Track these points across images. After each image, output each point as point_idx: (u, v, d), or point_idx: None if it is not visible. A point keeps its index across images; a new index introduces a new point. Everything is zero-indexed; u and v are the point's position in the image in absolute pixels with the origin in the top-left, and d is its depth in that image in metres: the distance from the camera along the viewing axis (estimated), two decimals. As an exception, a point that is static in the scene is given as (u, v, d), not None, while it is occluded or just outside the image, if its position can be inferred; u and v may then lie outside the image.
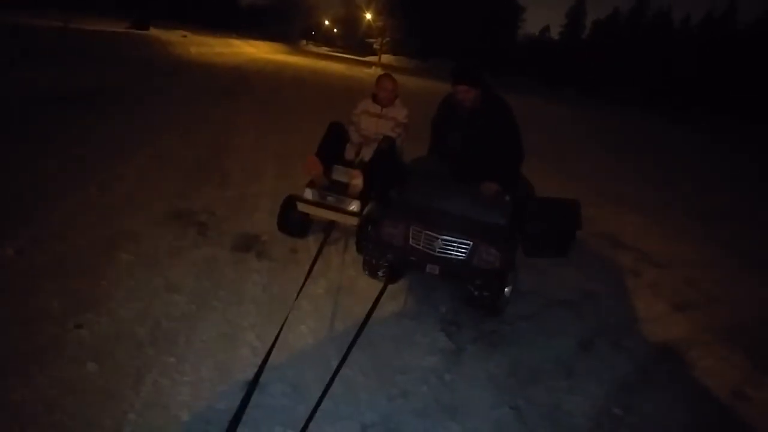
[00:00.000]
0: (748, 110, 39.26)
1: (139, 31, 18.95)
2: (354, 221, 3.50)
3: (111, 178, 4.19)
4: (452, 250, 2.97)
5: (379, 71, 28.41)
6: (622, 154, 12.21)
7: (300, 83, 14.18)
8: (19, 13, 15.87)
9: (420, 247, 3.01)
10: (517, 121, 3.40)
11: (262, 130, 7.14)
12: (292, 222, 3.64)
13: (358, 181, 3.53)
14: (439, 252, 2.97)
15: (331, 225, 3.54)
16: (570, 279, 3.85)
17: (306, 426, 1.79)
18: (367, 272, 3.29)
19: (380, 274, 3.19)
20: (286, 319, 2.39)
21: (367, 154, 3.85)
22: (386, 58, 47.96)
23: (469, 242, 2.96)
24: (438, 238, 2.97)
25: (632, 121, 24.60)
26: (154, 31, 20.34)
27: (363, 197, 3.54)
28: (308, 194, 3.58)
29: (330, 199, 3.57)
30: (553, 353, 2.81)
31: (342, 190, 3.61)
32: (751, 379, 2.92)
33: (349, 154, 3.94)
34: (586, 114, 24.46)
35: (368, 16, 52.80)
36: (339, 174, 3.79)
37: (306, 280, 2.82)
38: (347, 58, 41.27)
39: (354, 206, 3.50)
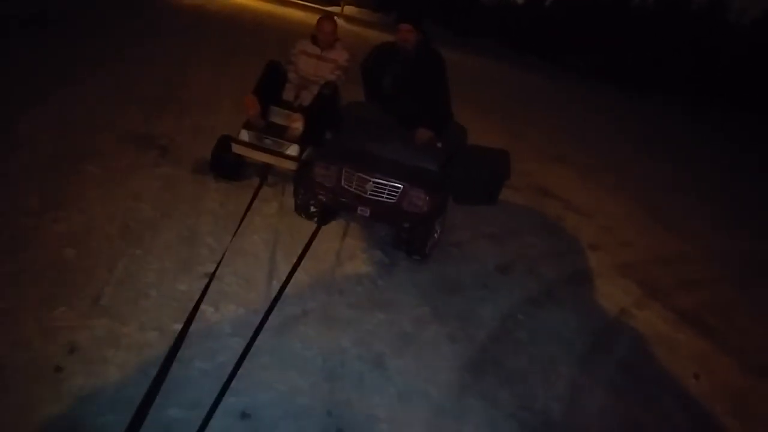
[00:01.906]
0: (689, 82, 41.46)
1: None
2: (292, 165, 3.44)
3: (73, 99, 4.32)
4: (383, 193, 3.03)
5: (342, 24, 27.78)
6: (568, 116, 12.91)
7: (258, 27, 13.93)
8: None
9: (351, 189, 3.06)
10: (447, 73, 3.49)
11: (221, 67, 7.21)
12: (226, 164, 3.55)
13: (298, 125, 3.47)
14: (370, 194, 3.03)
15: (267, 168, 3.51)
16: (499, 218, 4.27)
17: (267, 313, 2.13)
18: (301, 214, 3.32)
19: (313, 215, 3.26)
20: (239, 228, 2.71)
21: (306, 97, 3.80)
22: (350, 9, 46.78)
23: (399, 186, 3.02)
24: (369, 181, 3.03)
25: (584, 90, 25.52)
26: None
27: (302, 141, 3.47)
28: (244, 135, 3.47)
29: (267, 141, 3.47)
30: (473, 272, 3.26)
31: (280, 132, 3.53)
32: (639, 303, 3.50)
33: (288, 95, 3.85)
34: (545, 80, 25.15)
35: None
36: (277, 116, 3.70)
37: (241, 221, 2.88)
38: (309, 5, 39.95)
39: (292, 150, 3.42)
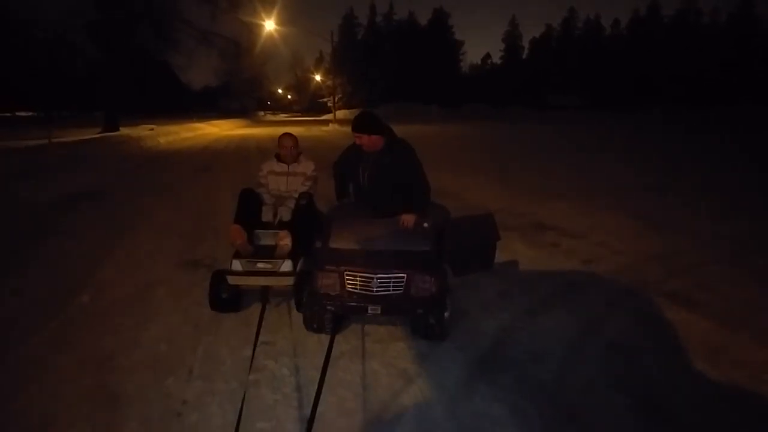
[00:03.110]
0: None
1: (111, 133, 20.36)
2: (289, 281, 3.52)
3: (130, 247, 5.28)
4: (389, 287, 3.05)
5: (336, 127, 30.07)
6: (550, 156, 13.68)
7: (264, 150, 15.43)
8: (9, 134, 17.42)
9: (357, 290, 3.06)
10: (418, 157, 3.64)
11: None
12: (225, 298, 3.62)
13: (287, 241, 3.59)
14: (377, 291, 3.04)
15: (265, 291, 3.55)
16: (496, 255, 4.87)
17: None
18: (308, 327, 3.31)
19: (325, 326, 3.23)
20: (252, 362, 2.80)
21: (284, 212, 3.95)
22: (341, 113, 50.09)
23: (403, 275, 3.04)
24: (374, 278, 3.03)
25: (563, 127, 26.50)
26: (123, 130, 21.73)
27: (293, 255, 3.58)
28: (237, 265, 3.55)
29: (260, 265, 3.56)
30: (478, 298, 3.82)
31: (270, 253, 3.63)
32: (629, 294, 4.00)
33: (267, 216, 3.99)
34: (527, 128, 26.33)
35: (317, 77, 55.50)
36: (261, 238, 3.84)
37: (254, 351, 2.92)
38: (304, 120, 43.21)
39: (286, 266, 3.53)
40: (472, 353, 3.05)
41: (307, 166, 4.21)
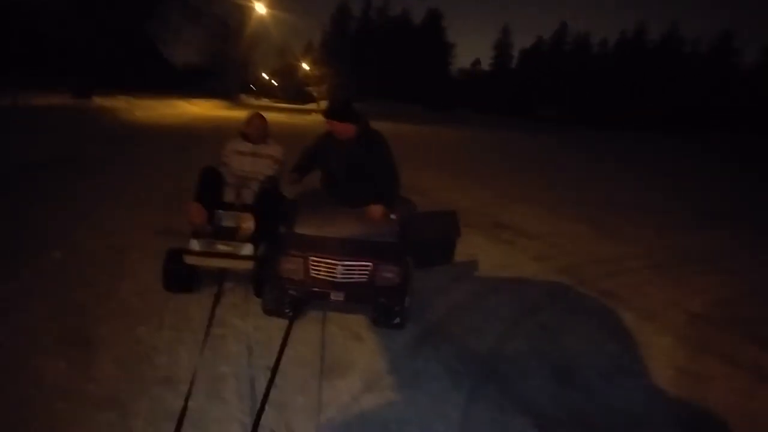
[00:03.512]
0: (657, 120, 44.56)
1: (82, 100, 20.15)
2: (248, 265, 3.48)
3: (106, 214, 5.52)
4: (353, 275, 3.14)
5: (319, 117, 30.18)
6: (526, 164, 14.26)
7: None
8: None
9: (321, 277, 3.14)
10: (391, 150, 3.72)
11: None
12: (180, 277, 3.53)
13: (249, 224, 3.55)
14: (341, 278, 3.12)
15: (223, 273, 3.53)
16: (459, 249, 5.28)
17: None
18: (267, 309, 3.35)
19: (286, 310, 3.25)
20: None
21: (247, 195, 3.90)
22: (325, 104, 50.22)
23: (368, 264, 3.14)
24: (338, 265, 3.11)
25: (543, 137, 27.33)
26: (97, 100, 21.52)
27: (255, 239, 3.55)
28: (194, 245, 3.46)
29: (220, 246, 3.50)
30: (432, 281, 4.18)
31: (230, 234, 3.60)
32: (566, 289, 4.45)
33: (229, 196, 3.91)
34: (513, 135, 27.05)
35: (305, 66, 55.56)
36: (222, 219, 3.78)
37: (207, 334, 2.89)
38: (288, 108, 43.21)
39: (247, 250, 3.49)
40: (421, 325, 3.44)
41: (275, 150, 4.16)
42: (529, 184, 10.57)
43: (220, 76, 57.14)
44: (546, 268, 5.00)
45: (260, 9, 29.66)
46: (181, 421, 2.19)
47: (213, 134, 15.06)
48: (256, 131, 4.11)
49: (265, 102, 56.48)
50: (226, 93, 51.70)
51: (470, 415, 2.53)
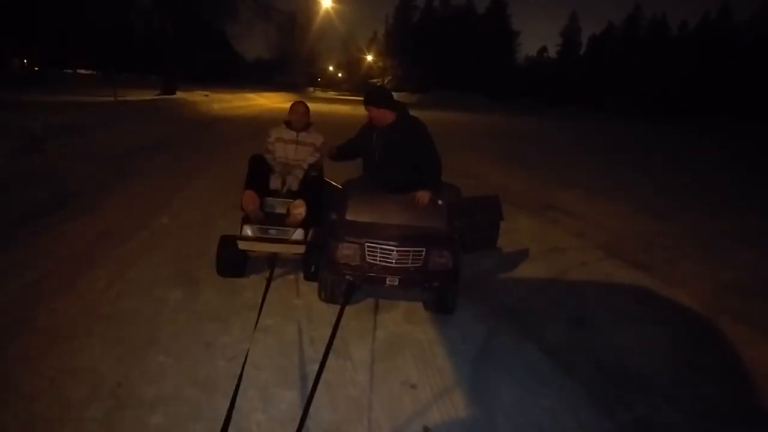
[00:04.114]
0: (746, 108, 41.30)
1: (169, 96, 22.08)
2: (300, 249, 3.65)
3: (194, 189, 6.51)
4: (408, 260, 3.21)
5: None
6: (594, 156, 14.29)
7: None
8: (74, 90, 19.38)
9: (377, 262, 3.21)
10: (431, 135, 3.77)
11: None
12: (233, 262, 3.73)
13: (301, 210, 3.65)
14: (396, 263, 3.20)
15: (274, 258, 3.67)
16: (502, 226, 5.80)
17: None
18: (324, 297, 3.49)
19: (339, 296, 3.33)
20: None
21: (291, 181, 4.02)
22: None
23: (422, 249, 3.21)
24: (394, 250, 3.19)
25: (617, 129, 26.59)
26: (180, 94, 23.42)
27: (305, 225, 3.68)
28: (248, 231, 3.64)
29: (272, 231, 3.66)
30: (476, 254, 4.73)
31: (281, 220, 3.73)
32: (598, 259, 4.87)
33: (275, 184, 4.03)
34: (578, 127, 26.60)
35: (369, 57, 56.56)
36: (271, 206, 3.91)
37: (259, 315, 2.99)
38: (352, 99, 44.26)
39: (298, 235, 3.65)
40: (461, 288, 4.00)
41: (316, 138, 4.27)
42: (583, 172, 10.74)
43: (288, 70, 59.37)
44: (585, 243, 5.41)
45: (326, 2, 30.78)
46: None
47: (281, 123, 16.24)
48: (298, 118, 4.21)
49: (331, 94, 57.96)
50: (294, 85, 53.67)
51: (490, 342, 3.13)
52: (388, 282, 3.20)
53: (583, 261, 4.81)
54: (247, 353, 2.58)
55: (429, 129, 3.80)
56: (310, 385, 2.36)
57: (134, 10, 32.30)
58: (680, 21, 64.22)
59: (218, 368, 2.68)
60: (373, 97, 3.71)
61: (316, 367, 2.49)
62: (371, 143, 3.79)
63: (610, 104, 51.54)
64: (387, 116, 3.69)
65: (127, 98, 18.38)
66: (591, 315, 3.63)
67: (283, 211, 3.84)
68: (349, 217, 3.49)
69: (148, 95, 21.73)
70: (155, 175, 7.35)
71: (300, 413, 2.20)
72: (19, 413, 2.23)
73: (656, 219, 6.64)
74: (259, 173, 3.97)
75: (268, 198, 3.92)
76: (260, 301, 3.13)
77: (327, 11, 32.41)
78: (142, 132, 11.45)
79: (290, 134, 4.23)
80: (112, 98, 17.37)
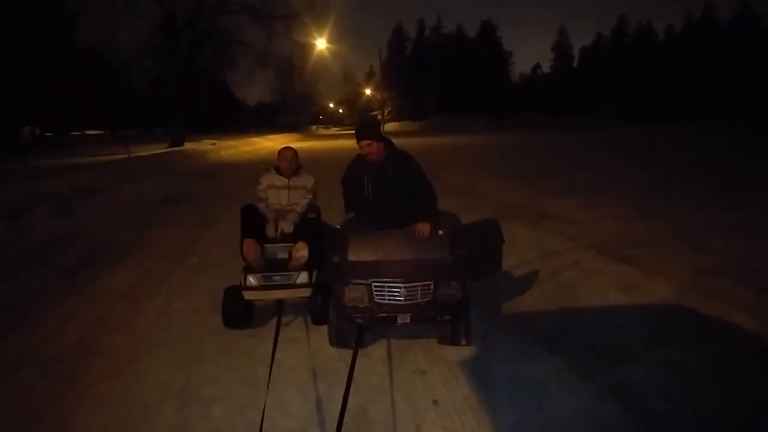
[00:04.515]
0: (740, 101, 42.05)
1: (178, 148, 23.16)
2: (306, 293, 3.65)
3: (217, 232, 7.13)
4: (417, 295, 3.16)
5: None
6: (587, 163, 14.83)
7: (317, 162, 17.40)
8: (87, 150, 20.50)
9: (386, 301, 3.17)
10: (421, 166, 3.85)
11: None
12: (239, 314, 3.73)
13: (303, 253, 3.65)
14: (406, 300, 3.15)
15: (280, 304, 3.64)
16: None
17: None
18: (335, 342, 3.41)
19: (349, 340, 3.29)
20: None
21: (285, 225, 4.00)
22: (391, 125, 52.19)
23: (430, 282, 3.18)
24: (402, 287, 3.15)
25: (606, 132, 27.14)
26: (188, 145, 24.51)
27: (308, 267, 3.67)
28: (251, 280, 3.63)
29: (276, 278, 3.64)
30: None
31: (281, 266, 3.72)
32: (591, 259, 5.36)
33: (270, 231, 4.01)
34: (570, 137, 27.22)
35: (368, 91, 58.08)
36: (271, 252, 3.88)
37: (272, 363, 2.96)
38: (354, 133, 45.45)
39: (302, 278, 3.63)
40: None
41: (307, 180, 4.30)
42: (578, 180, 11.30)
43: (290, 111, 61.05)
44: (578, 245, 5.91)
45: (321, 44, 32.06)
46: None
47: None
48: (286, 163, 4.23)
49: (333, 130, 59.45)
50: (297, 126, 55.17)
51: (489, 333, 3.64)
52: (399, 320, 3.17)
53: (575, 260, 5.32)
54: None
55: (417, 160, 3.91)
56: (343, 379, 2.77)
57: (137, 69, 33.97)
58: (666, 25, 65.18)
59: (260, 372, 3.21)
60: (367, 130, 3.79)
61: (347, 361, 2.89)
62: (363, 179, 3.83)
63: (608, 111, 52.39)
64: (380, 149, 3.78)
65: (139, 153, 19.41)
66: (580, 308, 4.13)
67: (284, 256, 3.83)
68: (351, 257, 3.44)
69: (158, 149, 22.83)
70: (180, 222, 8.04)
71: (330, 402, 2.70)
72: (110, 416, 2.79)
73: (647, 217, 7.15)
74: (253, 222, 3.95)
75: (267, 245, 3.89)
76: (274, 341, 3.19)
77: (321, 52, 33.61)
78: (159, 184, 12.29)
79: (281, 180, 4.24)
80: (125, 155, 18.40)
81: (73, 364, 3.35)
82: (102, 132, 51.44)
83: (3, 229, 6.84)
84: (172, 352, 3.51)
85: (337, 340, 3.40)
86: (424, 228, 3.54)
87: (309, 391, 2.99)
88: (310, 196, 4.26)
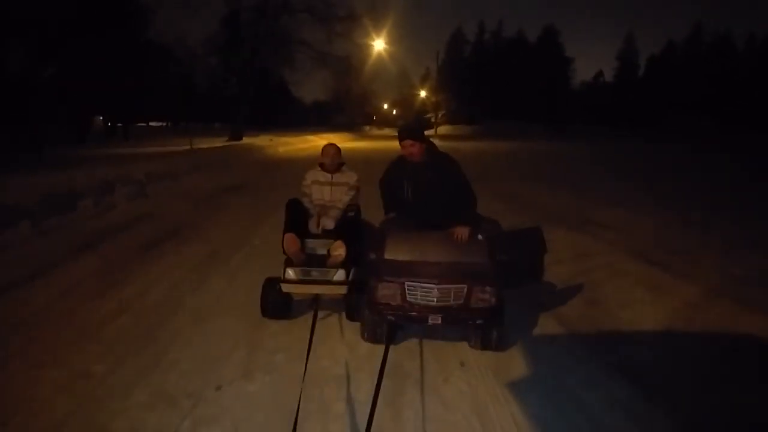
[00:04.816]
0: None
1: (237, 142, 24.51)
2: (342, 290, 3.74)
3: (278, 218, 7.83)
4: (449, 298, 3.23)
5: (436, 142, 32.18)
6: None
7: (368, 163, 18.14)
8: (154, 140, 22.13)
9: (418, 301, 3.25)
10: (463, 169, 3.90)
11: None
12: (276, 305, 3.87)
13: (341, 251, 3.74)
14: (438, 301, 3.23)
15: (317, 300, 3.75)
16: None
17: None
18: (366, 337, 3.51)
19: (381, 336, 3.38)
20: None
21: (327, 222, 4.13)
22: (444, 128, 52.48)
23: (463, 285, 3.23)
24: (434, 288, 3.23)
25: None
26: (246, 140, 25.83)
27: (345, 265, 3.76)
28: (290, 274, 3.76)
29: (314, 273, 3.76)
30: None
31: (321, 261, 3.83)
32: (623, 261, 5.68)
33: (313, 225, 4.17)
34: (631, 148, 26.73)
35: (422, 93, 58.59)
36: (311, 247, 4.01)
37: (307, 360, 2.99)
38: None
39: (339, 276, 3.73)
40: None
41: (350, 177, 4.42)
42: (628, 191, 11.41)
43: (344, 110, 62.40)
44: (613, 248, 6.24)
45: (379, 45, 32.86)
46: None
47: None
48: (329, 159, 4.38)
49: (386, 131, 60.08)
50: (350, 125, 56.31)
51: (510, 312, 3.97)
52: (430, 320, 3.25)
53: (608, 262, 5.65)
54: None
55: (459, 163, 3.99)
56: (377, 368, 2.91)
57: (199, 66, 35.90)
58: (747, 35, 62.00)
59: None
60: (410, 131, 3.88)
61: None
62: (404, 180, 3.92)
63: (676, 122, 50.60)
64: (422, 150, 3.86)
65: (201, 146, 20.73)
66: (601, 299, 4.50)
67: (323, 252, 3.95)
68: (387, 256, 3.56)
69: (218, 142, 24.22)
70: (242, 208, 8.86)
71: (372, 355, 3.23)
72: (195, 354, 3.42)
73: (685, 228, 7.35)
74: (297, 216, 4.11)
75: (308, 240, 4.04)
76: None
77: (379, 53, 34.39)
78: (221, 175, 13.30)
79: (325, 176, 4.38)
80: (188, 147, 19.74)
81: (161, 315, 4.06)
82: (164, 124, 54.47)
83: (91, 206, 7.86)
84: (240, 313, 4.14)
85: (369, 335, 3.51)
86: (462, 231, 3.60)
87: (356, 345, 3.50)
88: (352, 193, 4.37)
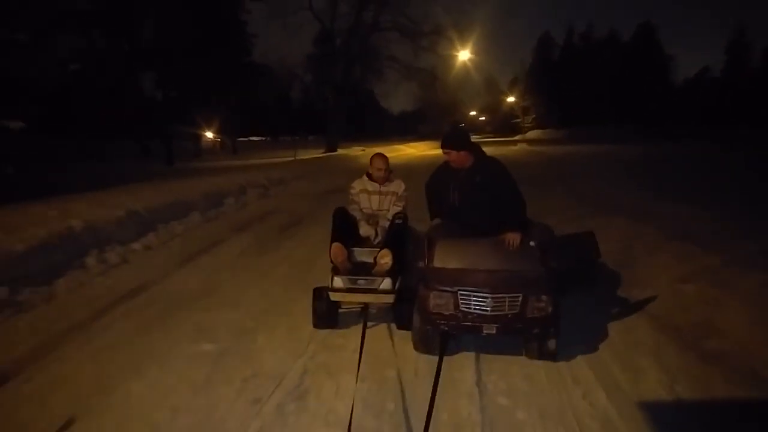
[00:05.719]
0: None
1: (333, 153, 27.33)
2: (390, 299, 3.75)
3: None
4: (504, 307, 3.18)
5: (525, 147, 33.01)
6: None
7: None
8: (260, 153, 25.38)
9: (472, 311, 3.21)
10: (511, 174, 3.84)
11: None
12: (326, 314, 3.91)
13: (387, 260, 3.76)
14: (492, 311, 3.18)
15: (365, 308, 3.81)
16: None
17: None
18: (420, 349, 3.48)
19: (435, 346, 3.35)
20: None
21: (377, 231, 4.21)
22: (533, 133, 52.68)
23: (518, 294, 3.17)
24: (489, 297, 3.17)
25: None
26: (341, 151, 28.61)
27: (392, 273, 3.78)
28: (338, 282, 3.80)
29: (361, 282, 3.79)
30: None
31: (367, 270, 3.85)
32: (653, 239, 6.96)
33: (366, 232, 4.24)
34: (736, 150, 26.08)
35: (511, 98, 59.10)
36: (358, 256, 4.05)
37: (359, 365, 3.06)
38: (494, 140, 46.75)
39: (386, 284, 3.75)
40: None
41: (398, 186, 4.48)
42: (704, 189, 11.93)
43: (431, 119, 64.22)
44: (659, 233, 7.46)
45: (464, 56, 34.24)
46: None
47: (427, 168, 19.53)
48: (378, 172, 4.42)
49: (473, 138, 60.95)
50: (438, 134, 57.90)
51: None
52: (485, 330, 3.21)
53: (649, 242, 6.92)
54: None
55: (506, 168, 3.98)
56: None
57: (296, 82, 39.52)
58: None
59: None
60: (451, 139, 3.90)
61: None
62: (450, 186, 3.93)
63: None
64: (465, 158, 3.86)
65: (302, 157, 23.57)
66: (633, 264, 5.87)
67: (370, 260, 3.97)
68: (437, 264, 3.49)
69: (316, 153, 27.17)
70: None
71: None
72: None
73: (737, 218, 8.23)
74: (344, 225, 4.16)
75: (355, 248, 4.10)
76: (360, 345, 3.34)
77: (464, 63, 35.87)
78: (323, 180, 15.64)
79: (373, 185, 4.47)
80: (292, 158, 22.59)
81: (304, 267, 6.07)
82: (264, 138, 59.39)
83: (233, 203, 10.39)
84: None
85: (421, 345, 3.51)
86: (513, 238, 3.53)
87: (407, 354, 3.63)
88: (401, 204, 4.44)
